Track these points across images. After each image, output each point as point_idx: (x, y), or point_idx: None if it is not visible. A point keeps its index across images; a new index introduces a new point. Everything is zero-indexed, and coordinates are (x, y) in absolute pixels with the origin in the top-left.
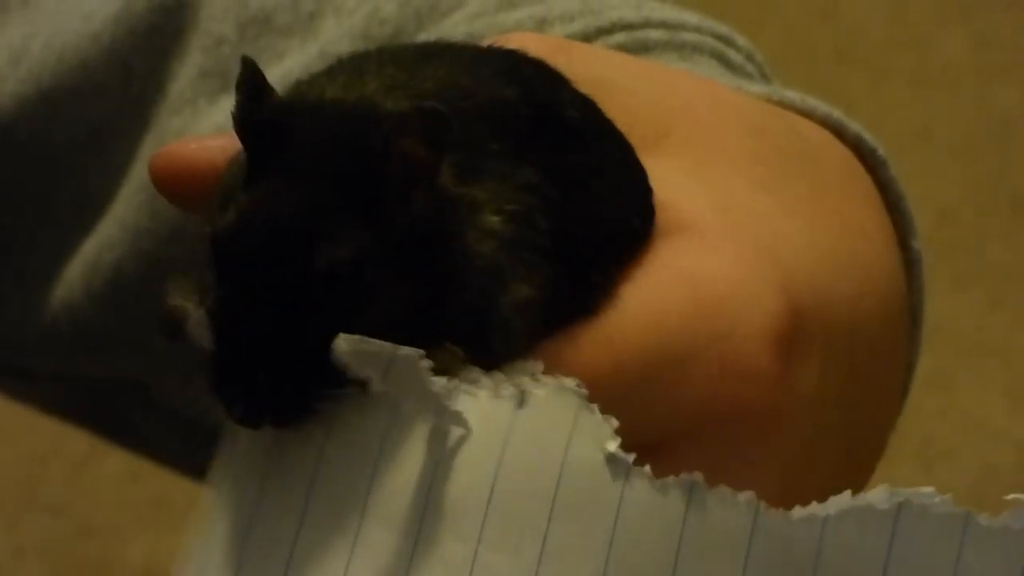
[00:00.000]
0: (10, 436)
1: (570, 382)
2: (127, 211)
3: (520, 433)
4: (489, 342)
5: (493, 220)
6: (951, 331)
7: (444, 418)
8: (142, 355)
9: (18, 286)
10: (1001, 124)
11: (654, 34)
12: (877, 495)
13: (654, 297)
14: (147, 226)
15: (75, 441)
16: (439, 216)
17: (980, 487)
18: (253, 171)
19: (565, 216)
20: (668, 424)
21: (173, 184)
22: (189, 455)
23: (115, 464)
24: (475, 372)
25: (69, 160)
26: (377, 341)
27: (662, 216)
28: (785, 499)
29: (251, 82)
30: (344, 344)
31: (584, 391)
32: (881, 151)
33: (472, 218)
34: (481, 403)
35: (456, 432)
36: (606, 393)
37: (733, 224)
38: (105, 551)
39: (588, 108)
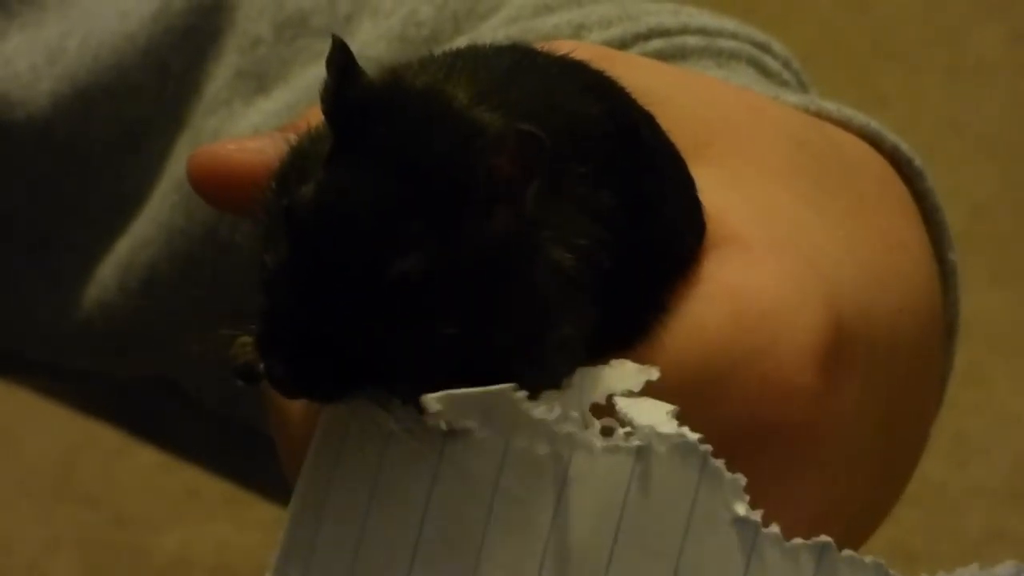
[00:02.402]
0: (43, 427)
1: (693, 436)
2: (161, 210)
3: (642, 491)
4: (523, 372)
5: (563, 256)
6: (985, 326)
7: (558, 445)
8: (175, 354)
9: (53, 285)
10: None
11: (691, 40)
12: (1004, 568)
13: (695, 310)
14: (181, 226)
15: (108, 432)
16: (514, 239)
17: (1014, 482)
18: (337, 149)
19: (631, 246)
20: (709, 439)
21: (210, 185)
22: (221, 452)
23: (148, 455)
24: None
25: (104, 160)
26: (464, 389)
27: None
28: (823, 515)
29: (341, 60)
30: (435, 402)
31: (708, 446)
32: (918, 162)
33: (543, 249)
34: (597, 456)
35: (576, 465)
36: None
37: (776, 236)
38: (138, 542)
39: (655, 127)
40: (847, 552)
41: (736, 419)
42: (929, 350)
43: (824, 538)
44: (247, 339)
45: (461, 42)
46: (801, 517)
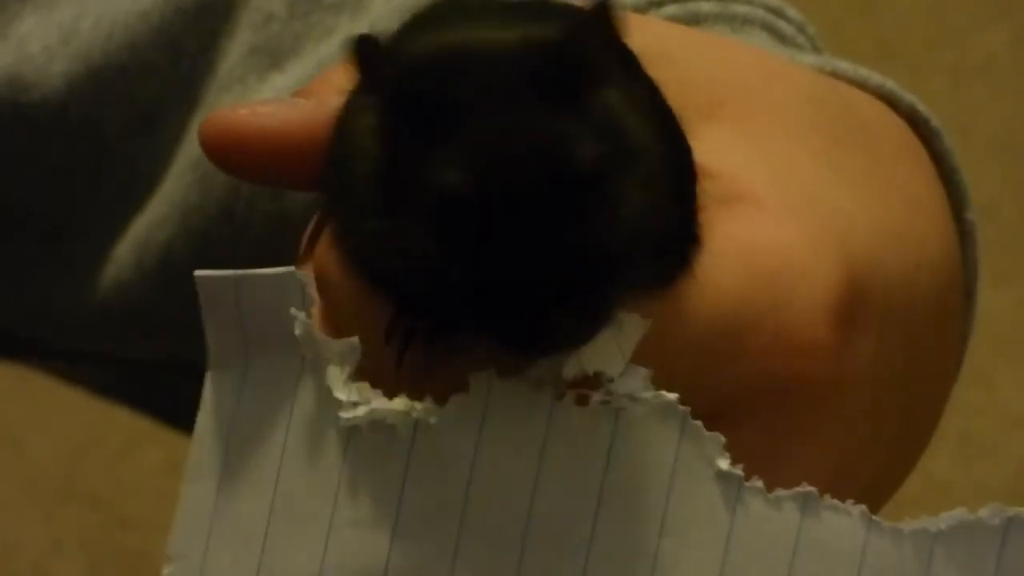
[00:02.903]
0: (48, 428)
1: (671, 396)
2: (177, 189)
3: (624, 453)
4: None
5: (644, 130)
6: (990, 328)
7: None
8: (193, 333)
9: (69, 269)
10: None
11: (705, 6)
12: (988, 511)
13: (710, 266)
14: (197, 204)
15: (113, 433)
16: (608, 118)
17: (1019, 482)
18: (432, 131)
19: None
20: (724, 395)
21: (223, 151)
22: None
23: (153, 455)
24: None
25: (119, 140)
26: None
27: (719, 184)
28: (842, 473)
29: (393, 58)
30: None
31: (687, 407)
32: (935, 122)
33: (629, 119)
34: (575, 421)
35: (554, 431)
36: (660, 363)
37: (791, 194)
38: (144, 542)
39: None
40: (831, 500)
41: (752, 375)
42: (948, 308)
43: (808, 487)
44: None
45: None
46: (818, 473)
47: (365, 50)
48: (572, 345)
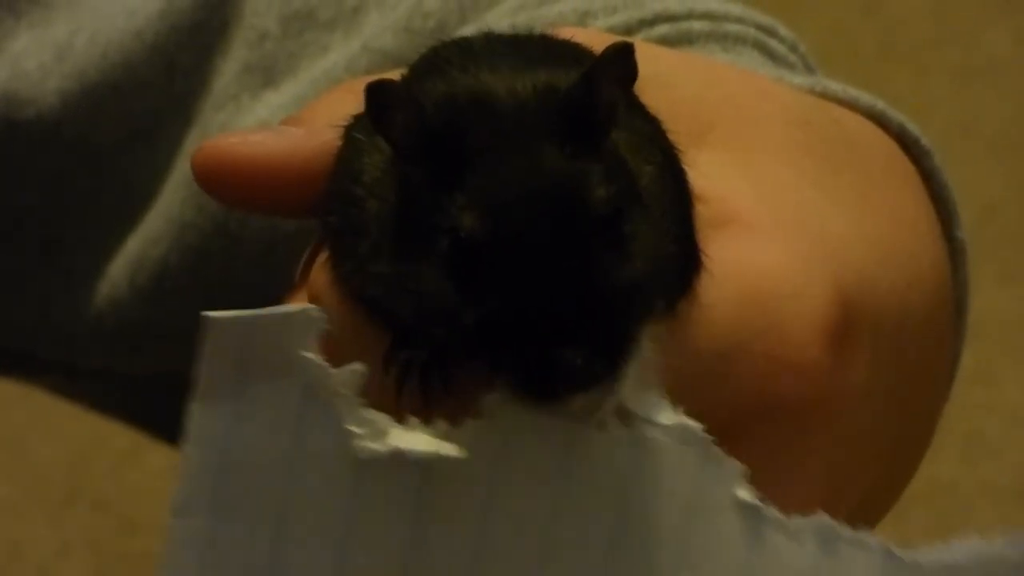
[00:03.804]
0: (53, 432)
1: (694, 424)
2: (171, 206)
3: (644, 479)
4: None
5: (648, 168)
6: (996, 326)
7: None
8: (187, 348)
9: (64, 284)
10: None
11: (697, 25)
12: (1004, 542)
13: (702, 290)
14: (192, 221)
15: (118, 437)
16: (621, 152)
17: None
18: (447, 177)
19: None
20: (717, 417)
21: (215, 179)
22: None
23: (158, 459)
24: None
25: (114, 157)
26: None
27: (710, 208)
28: (837, 490)
29: (407, 102)
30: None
31: (709, 436)
32: (924, 141)
33: (634, 161)
34: (597, 447)
35: (578, 456)
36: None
37: (781, 216)
38: (149, 546)
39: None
40: (850, 532)
41: (745, 396)
42: (939, 327)
43: (826, 519)
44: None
45: (467, 31)
46: (812, 494)
47: (378, 95)
48: (598, 383)
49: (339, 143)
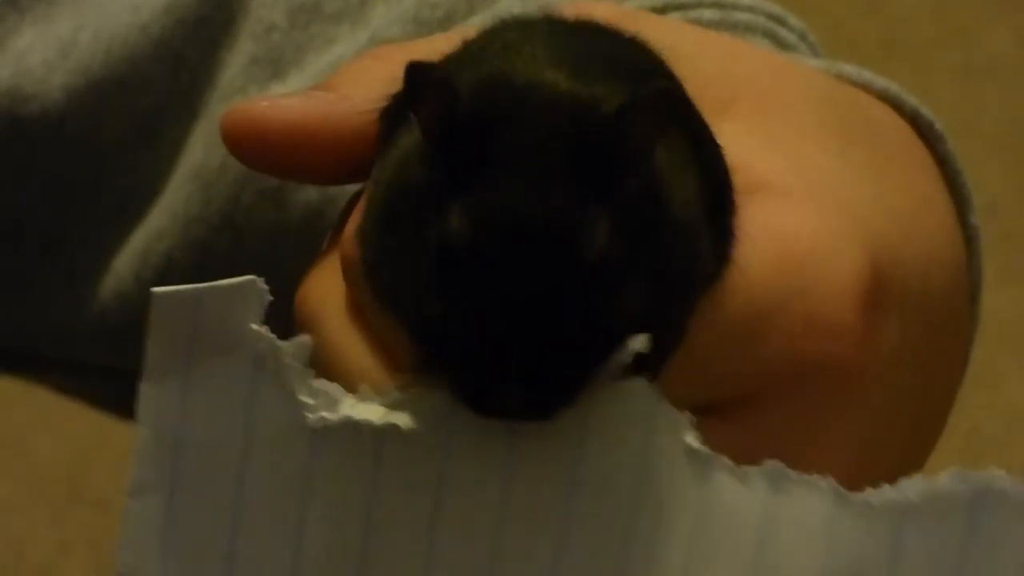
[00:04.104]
0: (55, 432)
1: (640, 380)
2: (177, 200)
3: (595, 434)
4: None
5: (682, 192)
6: (997, 325)
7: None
8: None
9: (68, 281)
10: None
11: (707, 13)
12: (951, 478)
13: (739, 252)
14: (198, 214)
15: (119, 435)
16: (652, 190)
17: None
18: (463, 173)
19: (711, 193)
20: (753, 379)
21: (244, 142)
22: None
23: None
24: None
25: (119, 152)
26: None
27: (739, 177)
28: (864, 462)
29: (441, 87)
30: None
31: (657, 387)
32: (938, 125)
33: (669, 190)
34: None
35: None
36: (695, 347)
37: (810, 182)
38: None
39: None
40: (800, 475)
41: (781, 358)
42: (957, 305)
43: (776, 463)
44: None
45: (475, 22)
46: (844, 460)
47: (415, 76)
48: (527, 419)
49: (384, 108)
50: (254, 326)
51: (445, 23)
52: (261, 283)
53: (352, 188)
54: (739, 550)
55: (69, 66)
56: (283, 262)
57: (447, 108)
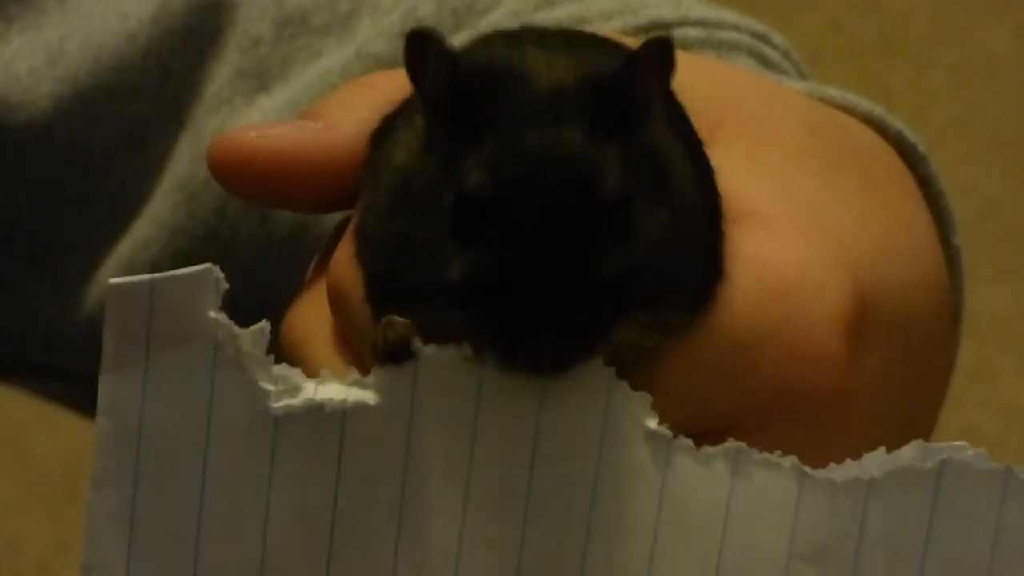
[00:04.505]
0: (52, 430)
1: (597, 360)
2: (163, 210)
3: (554, 416)
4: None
5: (683, 164)
6: (993, 322)
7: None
8: None
9: (55, 289)
10: None
11: (692, 32)
12: (914, 452)
13: (725, 283)
14: (183, 224)
15: None
16: (660, 141)
17: None
18: (472, 133)
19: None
20: (740, 410)
21: (233, 173)
22: None
23: None
24: None
25: (106, 161)
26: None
27: (725, 203)
28: None
29: (442, 54)
30: None
31: (611, 368)
32: (922, 147)
33: (669, 158)
34: (501, 384)
35: (484, 401)
36: (680, 377)
37: (795, 212)
38: None
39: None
40: (761, 455)
41: (767, 388)
42: (940, 328)
43: (737, 443)
44: (395, 320)
45: (461, 38)
46: None
47: (416, 45)
48: (564, 371)
49: (374, 132)
50: (212, 313)
51: None
52: (217, 271)
53: (337, 216)
54: (704, 532)
55: (57, 74)
56: (269, 274)
57: (450, 72)
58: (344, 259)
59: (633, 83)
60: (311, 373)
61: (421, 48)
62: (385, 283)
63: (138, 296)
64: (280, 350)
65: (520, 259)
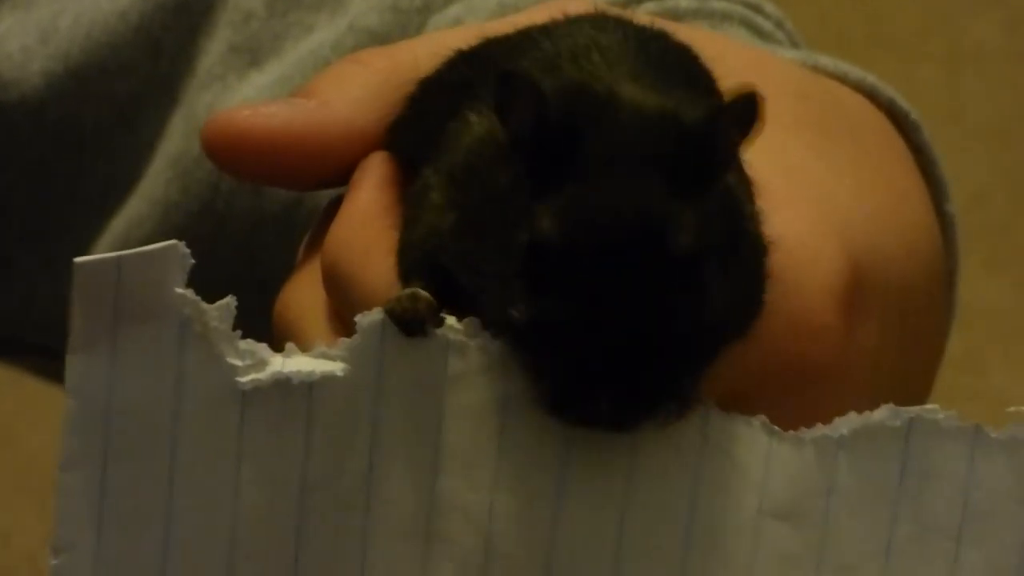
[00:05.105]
0: (41, 421)
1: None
2: (156, 187)
3: (509, 382)
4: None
5: (750, 206)
6: (982, 314)
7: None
8: None
9: (49, 268)
10: None
11: (684, 3)
12: (884, 414)
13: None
14: (177, 201)
15: None
16: (730, 198)
17: None
18: (550, 178)
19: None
20: (736, 381)
21: (228, 152)
22: None
23: None
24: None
25: (98, 139)
26: None
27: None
28: None
29: (532, 95)
30: None
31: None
32: (914, 115)
33: (743, 204)
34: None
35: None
36: None
37: (791, 184)
38: None
39: None
40: (731, 414)
41: (765, 361)
42: (935, 298)
43: (707, 401)
44: (421, 294)
45: (454, 11)
46: None
47: (507, 85)
48: (617, 431)
49: (412, 94)
50: (179, 290)
51: (424, 11)
52: (183, 247)
53: (330, 193)
54: (675, 492)
55: (49, 52)
56: (264, 248)
57: (538, 115)
58: (338, 240)
59: (717, 140)
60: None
61: (511, 88)
62: (443, 282)
63: (104, 274)
64: (274, 336)
65: (584, 313)
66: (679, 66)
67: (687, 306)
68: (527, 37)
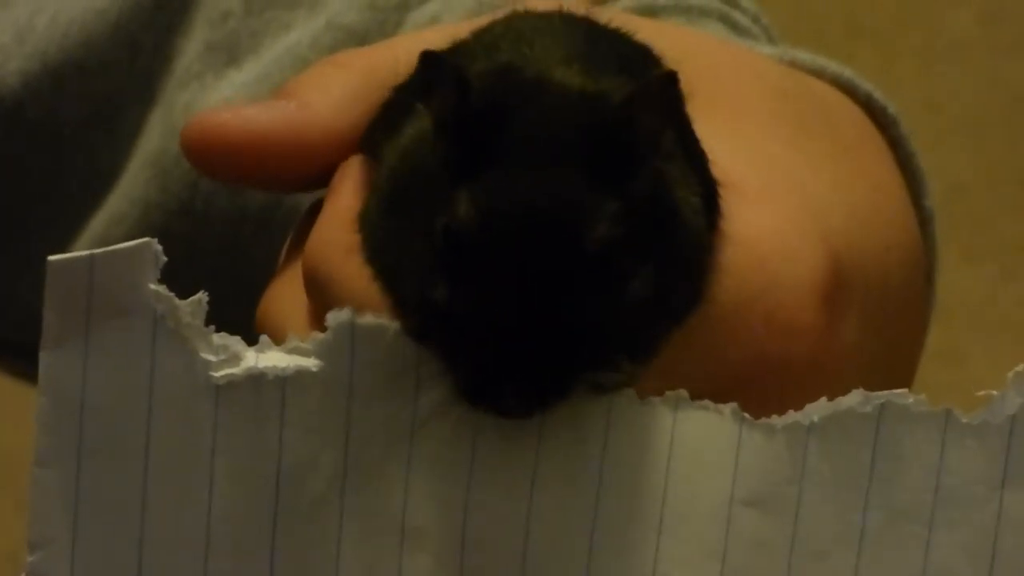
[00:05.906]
0: (19, 420)
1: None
2: (135, 186)
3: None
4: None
5: (694, 200)
6: (963, 306)
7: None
8: None
9: (28, 266)
10: (1010, 99)
11: None
12: (854, 399)
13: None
14: (156, 200)
15: None
16: (660, 186)
17: None
18: (472, 162)
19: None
20: (718, 380)
21: (207, 155)
22: None
23: None
24: None
25: (76, 137)
26: None
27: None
28: None
29: (454, 78)
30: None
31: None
32: (892, 109)
33: (678, 193)
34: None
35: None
36: (663, 358)
37: (768, 180)
38: None
39: None
40: (701, 401)
41: (745, 359)
42: (914, 290)
43: (679, 391)
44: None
45: (431, 8)
46: None
47: (429, 67)
48: (523, 417)
49: (387, 100)
50: (152, 286)
51: (401, 8)
52: (156, 244)
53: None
54: (647, 479)
55: (26, 51)
56: (244, 246)
57: (459, 98)
58: (319, 243)
59: (632, 126)
60: None
61: (434, 70)
62: (378, 268)
63: (77, 272)
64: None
65: (497, 303)
66: (621, 57)
67: (596, 298)
68: (488, 33)
